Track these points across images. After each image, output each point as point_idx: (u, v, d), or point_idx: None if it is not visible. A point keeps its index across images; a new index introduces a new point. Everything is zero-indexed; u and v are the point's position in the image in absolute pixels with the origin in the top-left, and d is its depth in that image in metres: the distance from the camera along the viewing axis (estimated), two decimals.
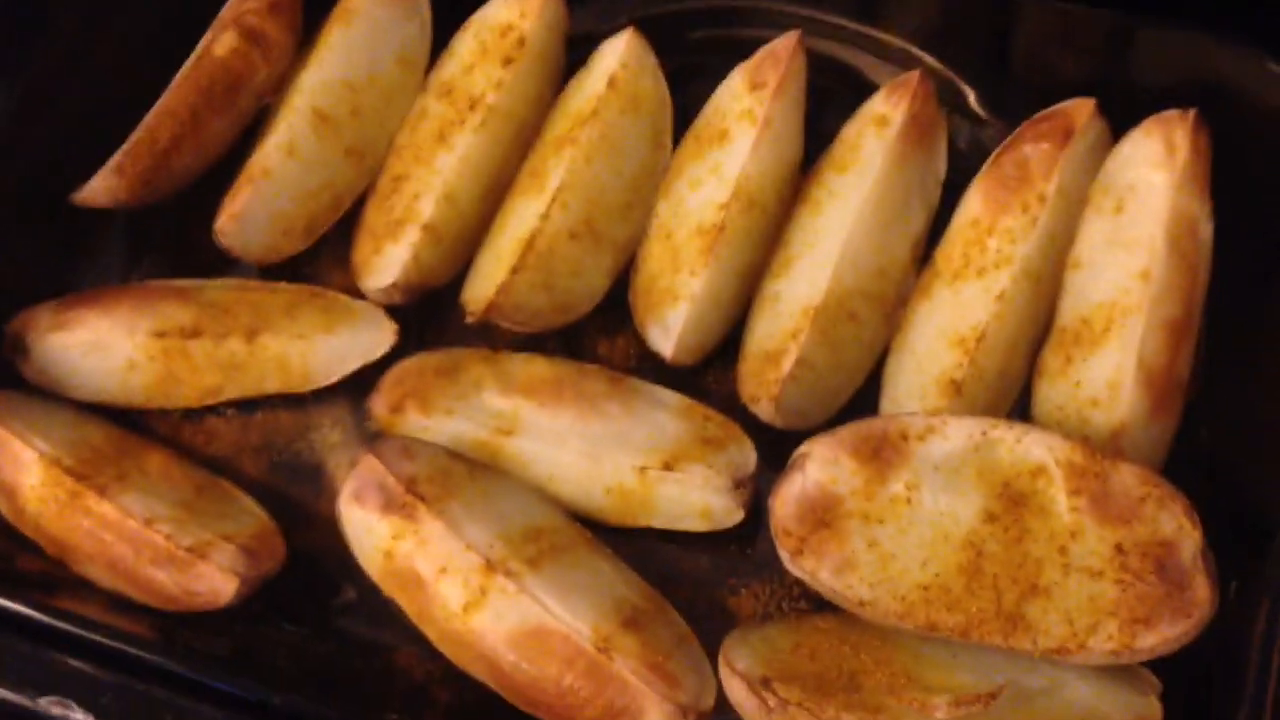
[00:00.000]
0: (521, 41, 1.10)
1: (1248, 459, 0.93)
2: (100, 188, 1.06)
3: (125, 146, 1.07)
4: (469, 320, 1.04)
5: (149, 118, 1.08)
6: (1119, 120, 1.02)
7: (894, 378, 1.01)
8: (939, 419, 0.89)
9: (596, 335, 1.09)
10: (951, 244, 1.03)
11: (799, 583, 0.97)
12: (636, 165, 1.09)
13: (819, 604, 0.96)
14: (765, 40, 1.08)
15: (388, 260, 1.06)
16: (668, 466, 0.97)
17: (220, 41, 1.10)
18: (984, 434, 0.88)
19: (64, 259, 1.14)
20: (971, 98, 1.12)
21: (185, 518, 0.97)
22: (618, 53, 1.08)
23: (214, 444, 1.08)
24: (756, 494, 0.99)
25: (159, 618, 0.96)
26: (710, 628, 0.94)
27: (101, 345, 1.04)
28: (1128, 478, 0.85)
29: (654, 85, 1.10)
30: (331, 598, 1.01)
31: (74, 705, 0.88)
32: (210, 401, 1.07)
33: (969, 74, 1.12)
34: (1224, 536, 0.85)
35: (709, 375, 1.07)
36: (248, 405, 1.08)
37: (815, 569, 0.88)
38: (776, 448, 0.97)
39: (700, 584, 1.00)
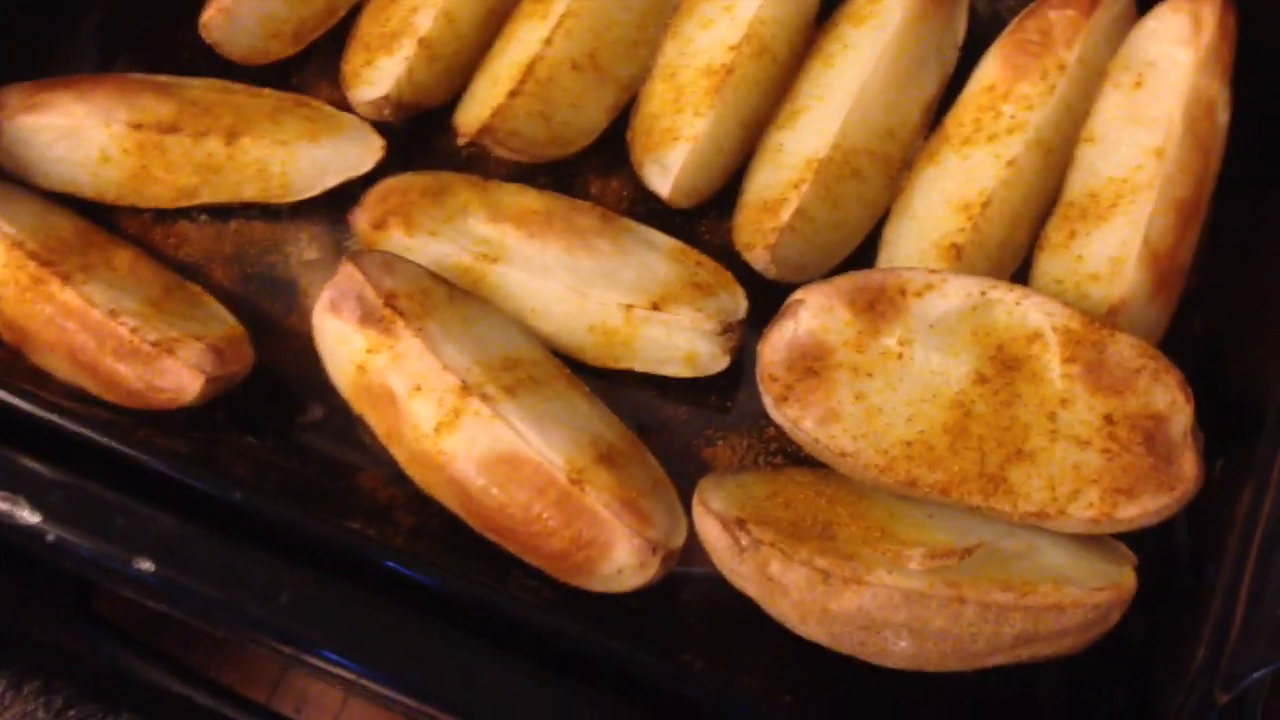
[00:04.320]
0: None
1: (1239, 348, 0.92)
2: None
3: None
4: (460, 142, 1.01)
5: None
6: None
7: (893, 240, 0.98)
8: (939, 275, 0.87)
9: (590, 174, 1.06)
10: (964, 108, 1.00)
11: (776, 438, 0.96)
12: (646, 1, 1.05)
13: (795, 460, 0.95)
14: None
15: (380, 72, 1.02)
16: (655, 306, 0.94)
17: None
18: (983, 294, 0.86)
19: (35, 51, 1.08)
20: None
21: (152, 314, 0.94)
22: None
23: (184, 249, 1.04)
24: (742, 346, 0.96)
25: (118, 414, 0.92)
26: (684, 475, 0.91)
27: (75, 132, 0.99)
28: (1125, 349, 0.83)
29: None
30: (297, 414, 0.98)
31: (22, 501, 0.85)
32: (184, 203, 1.02)
33: None
34: (1211, 420, 0.84)
35: (703, 224, 1.04)
36: (222, 212, 1.04)
37: (799, 417, 0.86)
38: (766, 301, 0.94)
39: (677, 432, 0.97)
